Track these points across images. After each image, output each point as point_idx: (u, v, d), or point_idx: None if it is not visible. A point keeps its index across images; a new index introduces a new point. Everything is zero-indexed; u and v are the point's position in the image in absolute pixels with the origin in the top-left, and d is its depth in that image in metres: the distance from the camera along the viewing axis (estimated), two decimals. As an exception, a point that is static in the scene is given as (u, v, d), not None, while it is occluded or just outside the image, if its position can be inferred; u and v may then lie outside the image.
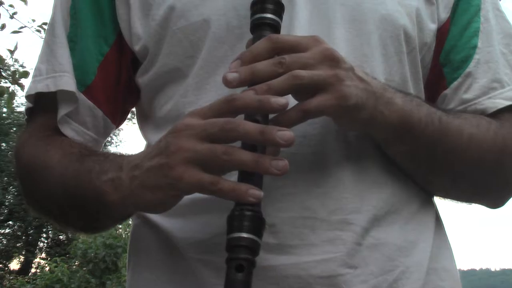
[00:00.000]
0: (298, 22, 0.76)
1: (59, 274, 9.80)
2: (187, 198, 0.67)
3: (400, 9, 0.80)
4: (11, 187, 17.01)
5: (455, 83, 0.84)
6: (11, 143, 16.22)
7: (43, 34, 4.08)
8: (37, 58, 0.87)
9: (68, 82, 0.82)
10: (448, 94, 0.84)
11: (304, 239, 0.71)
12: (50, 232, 17.88)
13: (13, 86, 4.36)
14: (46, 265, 12.50)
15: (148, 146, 0.83)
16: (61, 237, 17.85)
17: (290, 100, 0.64)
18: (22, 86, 4.23)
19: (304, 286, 0.69)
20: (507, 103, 0.82)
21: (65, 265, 10.25)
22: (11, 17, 4.33)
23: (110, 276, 9.64)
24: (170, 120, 0.76)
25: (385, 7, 0.79)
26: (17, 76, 4.29)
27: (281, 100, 0.62)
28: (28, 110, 0.87)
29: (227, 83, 0.65)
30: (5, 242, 17.67)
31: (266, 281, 0.69)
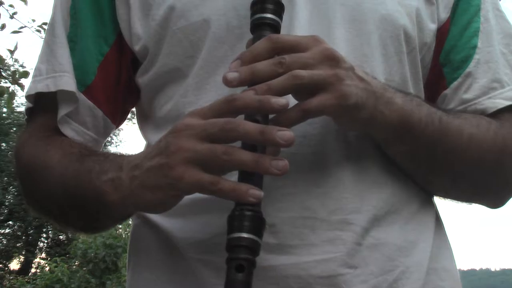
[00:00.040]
0: (298, 22, 0.76)
1: (59, 274, 9.81)
2: (187, 198, 0.67)
3: (400, 9, 0.80)
4: (11, 187, 17.01)
5: (455, 83, 0.84)
6: (11, 143, 16.22)
7: (43, 34, 4.08)
8: (37, 58, 0.88)
9: (68, 82, 0.82)
10: (448, 94, 0.84)
11: (304, 239, 0.71)
12: (50, 232, 17.89)
13: (13, 86, 4.36)
14: (46, 265, 12.50)
15: (148, 146, 0.83)
16: (61, 237, 17.85)
17: (290, 100, 0.65)
18: (22, 86, 4.23)
19: (304, 286, 0.69)
20: (507, 103, 0.82)
21: (65, 265, 10.25)
22: (11, 17, 4.33)
23: (110, 276, 9.64)
24: (170, 120, 0.76)
25: (385, 7, 0.79)
26: (17, 76, 4.29)
27: (281, 100, 0.62)
28: (28, 110, 0.87)
29: (227, 82, 0.65)
30: (5, 242, 17.67)
31: (266, 281, 0.69)
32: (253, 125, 0.61)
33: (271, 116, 0.65)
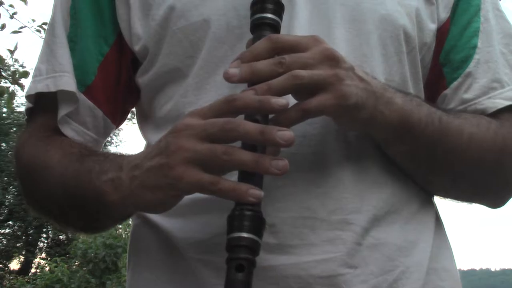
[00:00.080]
0: (298, 22, 0.76)
1: (59, 274, 9.81)
2: (187, 198, 0.67)
3: (400, 9, 0.80)
4: (11, 187, 17.01)
5: (455, 83, 0.84)
6: (11, 143, 16.22)
7: (43, 34, 4.08)
8: (37, 58, 0.88)
9: (68, 82, 0.82)
10: (448, 94, 0.84)
11: (304, 239, 0.71)
12: (50, 232, 17.89)
13: (13, 86, 4.37)
14: (46, 265, 12.50)
15: (148, 146, 0.83)
16: (61, 237, 17.85)
17: (290, 100, 0.65)
18: (22, 86, 4.23)
19: (304, 286, 0.69)
20: (507, 103, 0.82)
21: (65, 265, 10.25)
22: (11, 17, 4.33)
23: (110, 276, 9.64)
24: (170, 120, 0.76)
25: (385, 7, 0.79)
26: (17, 76, 4.29)
27: (281, 100, 0.62)
28: (28, 110, 0.87)
29: (228, 77, 0.65)
30: (5, 242, 17.67)
31: (266, 281, 0.69)
32: (253, 125, 0.61)
33: (271, 116, 0.65)
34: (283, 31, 0.71)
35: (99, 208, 0.71)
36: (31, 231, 17.64)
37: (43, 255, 17.99)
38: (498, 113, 0.81)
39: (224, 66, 0.74)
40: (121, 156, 0.72)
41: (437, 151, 0.75)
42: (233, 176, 0.63)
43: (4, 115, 17.73)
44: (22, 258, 17.75)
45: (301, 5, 0.77)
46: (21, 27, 4.35)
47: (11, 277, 14.93)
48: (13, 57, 4.24)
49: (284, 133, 0.60)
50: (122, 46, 0.85)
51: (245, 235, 0.59)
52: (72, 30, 0.85)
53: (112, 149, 16.77)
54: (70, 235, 15.69)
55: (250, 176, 0.62)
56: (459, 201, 0.85)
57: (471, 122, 0.78)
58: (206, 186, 0.61)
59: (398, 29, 0.79)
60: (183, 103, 0.78)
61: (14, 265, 17.91)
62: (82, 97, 0.83)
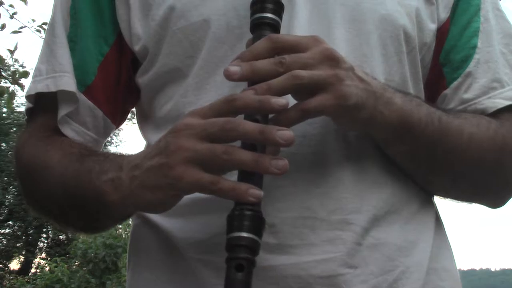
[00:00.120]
0: (298, 22, 0.76)
1: (59, 274, 9.81)
2: (187, 198, 0.67)
3: (400, 9, 0.80)
4: (11, 187, 17.01)
5: (455, 83, 0.84)
6: (11, 143, 16.22)
7: (43, 34, 4.08)
8: (37, 58, 0.88)
9: (68, 82, 0.82)
10: (448, 94, 0.84)
11: (304, 239, 0.71)
12: (50, 232, 17.89)
13: (13, 86, 4.37)
14: (46, 265, 12.50)
15: (148, 146, 0.83)
16: (61, 237, 17.85)
17: (290, 100, 0.65)
18: (22, 86, 4.23)
19: (304, 286, 0.69)
20: (507, 102, 0.82)
21: (65, 265, 10.25)
22: (11, 17, 4.33)
23: (110, 276, 9.64)
24: (170, 120, 0.76)
25: (385, 7, 0.79)
26: (17, 76, 4.29)
27: (281, 100, 0.62)
28: (28, 110, 0.87)
29: (228, 75, 0.65)
30: (5, 242, 17.67)
31: (266, 281, 0.69)
32: (253, 125, 0.61)
33: (270, 116, 0.65)
34: (283, 31, 0.71)
35: (99, 208, 0.71)
36: (31, 231, 17.64)
37: (43, 255, 18.00)
38: (498, 113, 0.81)
39: (224, 66, 0.74)
40: (121, 156, 0.72)
41: (437, 151, 0.75)
42: (233, 176, 0.63)
43: (4, 115, 17.73)
44: (22, 258, 17.75)
45: (301, 5, 0.77)
46: (21, 27, 4.35)
47: (11, 277, 14.93)
48: (13, 57, 4.25)
49: (284, 133, 0.60)
50: (122, 46, 0.85)
51: (245, 234, 0.59)
52: (72, 30, 0.85)
53: (112, 149, 16.77)
54: (70, 235, 15.69)
55: (250, 175, 0.62)
56: (459, 201, 0.85)
57: (471, 122, 0.78)
58: (206, 185, 0.61)
59: (398, 29, 0.79)
60: (183, 103, 0.78)
61: (14, 265, 17.93)
62: (82, 97, 0.83)
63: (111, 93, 0.86)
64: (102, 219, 0.77)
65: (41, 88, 0.83)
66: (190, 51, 0.78)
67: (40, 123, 0.85)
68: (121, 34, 0.84)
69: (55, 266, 10.14)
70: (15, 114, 16.84)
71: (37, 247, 18.08)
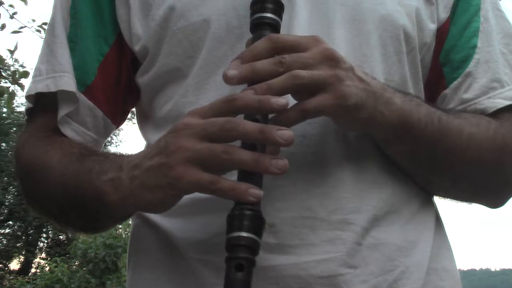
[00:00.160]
0: (298, 22, 0.76)
1: (59, 274, 9.81)
2: (187, 198, 0.67)
3: (400, 9, 0.80)
4: (11, 187, 17.01)
5: (455, 82, 0.84)
6: (11, 143, 16.22)
7: (43, 34, 4.08)
8: (37, 58, 0.88)
9: (68, 82, 0.82)
10: (448, 94, 0.84)
11: (304, 239, 0.71)
12: (50, 232, 17.89)
13: (13, 86, 4.37)
14: (46, 265, 12.50)
15: (148, 146, 0.83)
16: (61, 237, 17.85)
17: (290, 100, 0.65)
18: (22, 86, 4.23)
19: (304, 286, 0.69)
20: (507, 102, 0.82)
21: (65, 265, 10.25)
22: (11, 17, 4.33)
23: (110, 276, 9.64)
24: (170, 120, 0.76)
25: (385, 7, 0.79)
26: (17, 76, 4.29)
27: (281, 100, 0.62)
28: (28, 110, 0.87)
29: (227, 79, 0.65)
30: (5, 242, 17.67)
31: (266, 281, 0.69)
32: (252, 125, 0.61)
33: (270, 116, 0.65)
34: (283, 31, 0.71)
35: (99, 208, 0.71)
36: (31, 231, 17.64)
37: (43, 255, 18.00)
38: (498, 113, 0.81)
39: (224, 66, 0.74)
40: (121, 156, 0.72)
41: (437, 151, 0.75)
42: (233, 176, 0.63)
43: (4, 115, 17.73)
44: (22, 258, 17.75)
45: (301, 5, 0.77)
46: (21, 27, 4.35)
47: (11, 277, 14.93)
48: (13, 57, 4.25)
49: (284, 132, 0.60)
50: (122, 46, 0.85)
51: (244, 234, 0.59)
52: (72, 30, 0.85)
53: (112, 149, 16.77)
54: (70, 235, 15.69)
55: (249, 175, 0.62)
56: (459, 201, 0.85)
57: (471, 122, 0.78)
58: (206, 185, 0.61)
59: (398, 29, 0.79)
60: (183, 103, 0.78)
61: (14, 265, 17.93)
62: (82, 97, 0.83)
63: (111, 93, 0.86)
64: (102, 219, 0.77)
65: (41, 88, 0.83)
66: (190, 51, 0.78)
67: (40, 123, 0.85)
68: (121, 34, 0.84)
69: (55, 266, 10.14)
70: (15, 114, 16.84)
71: (37, 247, 18.08)
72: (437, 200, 0.85)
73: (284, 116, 0.65)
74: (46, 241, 18.44)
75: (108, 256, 9.72)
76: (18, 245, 17.85)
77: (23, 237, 17.89)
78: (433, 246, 0.79)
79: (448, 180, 0.80)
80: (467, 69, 0.83)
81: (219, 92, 0.74)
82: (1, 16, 4.27)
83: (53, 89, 0.82)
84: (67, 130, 0.83)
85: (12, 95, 4.31)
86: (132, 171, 0.66)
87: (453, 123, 0.76)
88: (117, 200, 0.68)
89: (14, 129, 17.02)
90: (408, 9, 0.81)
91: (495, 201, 0.85)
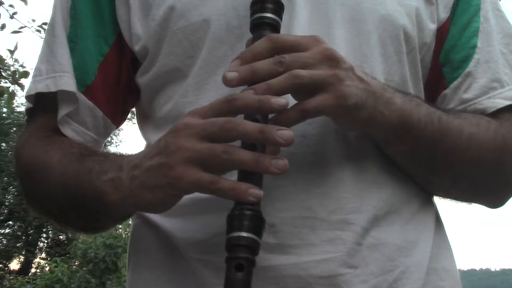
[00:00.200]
0: (298, 22, 0.76)
1: (59, 274, 9.81)
2: (187, 198, 0.67)
3: (400, 9, 0.80)
4: (11, 187, 17.01)
5: (455, 82, 0.84)
6: (11, 143, 16.23)
7: (43, 34, 4.08)
8: (37, 58, 0.88)
9: (68, 82, 0.82)
10: (448, 94, 0.84)
11: (304, 239, 0.71)
12: (50, 232, 17.89)
13: (13, 86, 4.37)
14: (46, 265, 12.50)
15: (148, 146, 0.83)
16: (61, 237, 17.85)
17: (290, 100, 0.65)
18: (22, 86, 4.23)
19: (304, 286, 0.69)
20: (507, 102, 0.82)
21: (65, 265, 10.25)
22: (11, 17, 4.33)
23: (110, 276, 9.64)
24: (170, 120, 0.76)
25: (385, 7, 0.79)
26: (17, 76, 4.30)
27: (281, 100, 0.62)
28: (28, 110, 0.87)
29: (227, 81, 0.65)
30: (5, 242, 17.67)
31: (266, 281, 0.69)
32: (252, 124, 0.61)
33: (270, 116, 0.65)
34: (283, 30, 0.71)
35: (99, 208, 0.71)
36: (31, 231, 17.64)
37: (43, 255, 18.00)
38: (498, 113, 0.81)
39: (224, 66, 0.74)
40: (121, 156, 0.72)
41: (437, 151, 0.75)
42: (233, 176, 0.63)
43: (4, 115, 17.74)
44: (22, 258, 17.75)
45: (301, 5, 0.77)
46: (21, 27, 4.35)
47: (11, 277, 14.93)
48: (13, 57, 4.25)
49: (284, 132, 0.60)
50: (122, 46, 0.85)
51: (244, 234, 0.59)
52: (72, 30, 0.85)
53: (112, 149, 16.77)
54: (70, 235, 15.69)
55: (249, 175, 0.62)
56: (459, 201, 0.85)
57: (471, 122, 0.78)
58: (206, 185, 0.61)
59: (398, 29, 0.79)
60: (183, 103, 0.78)
61: (14, 265, 17.93)
62: (82, 97, 0.83)
63: (111, 93, 0.86)
64: (102, 219, 0.77)
65: (41, 88, 0.83)
66: (190, 51, 0.78)
67: (40, 123, 0.85)
68: (121, 34, 0.84)
69: (55, 266, 10.14)
70: (15, 114, 16.84)
71: (37, 247, 18.08)
72: (437, 200, 0.85)
73: (284, 116, 0.65)
74: (46, 241, 18.45)
75: (108, 256, 9.72)
76: (18, 245, 17.85)
77: (23, 237, 17.90)
78: (433, 246, 0.79)
79: (448, 180, 0.80)
80: (467, 69, 0.83)
81: (219, 92, 0.74)
82: (1, 16, 4.27)
83: (53, 89, 0.82)
84: (67, 130, 0.83)
85: (12, 95, 4.31)
86: (132, 171, 0.66)
87: (453, 123, 0.76)
88: (117, 200, 0.68)
89: (14, 129, 17.02)
90: (408, 9, 0.81)
91: (495, 201, 0.85)
